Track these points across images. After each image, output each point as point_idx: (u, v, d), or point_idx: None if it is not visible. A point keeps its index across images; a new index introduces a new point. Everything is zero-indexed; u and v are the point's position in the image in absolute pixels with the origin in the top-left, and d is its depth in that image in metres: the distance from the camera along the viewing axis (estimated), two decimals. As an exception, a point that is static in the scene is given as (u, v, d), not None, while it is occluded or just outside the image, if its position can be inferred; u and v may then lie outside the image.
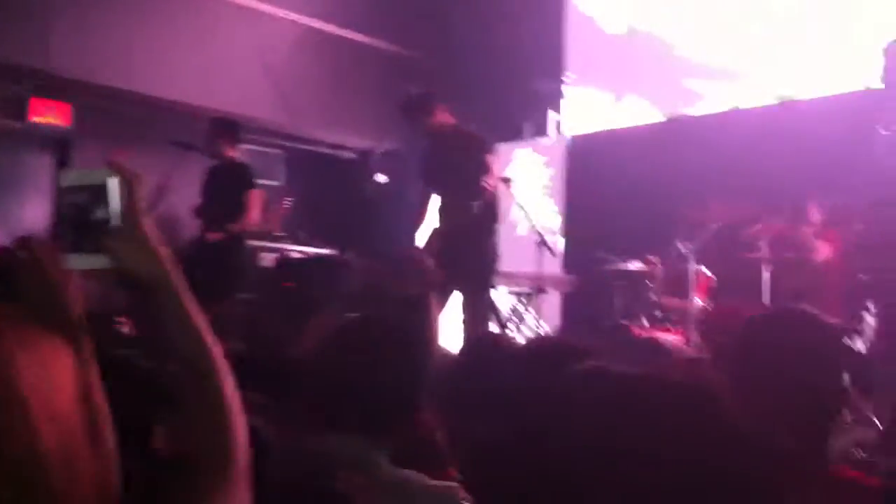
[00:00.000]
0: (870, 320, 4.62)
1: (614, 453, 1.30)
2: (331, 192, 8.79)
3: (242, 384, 1.28)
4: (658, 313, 6.02)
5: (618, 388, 1.44)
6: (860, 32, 6.44)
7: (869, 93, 6.23)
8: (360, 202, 8.59)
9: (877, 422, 3.67)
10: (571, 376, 1.98)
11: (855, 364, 1.92)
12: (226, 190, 6.10)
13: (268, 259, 6.76)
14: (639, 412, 1.32)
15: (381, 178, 8.70)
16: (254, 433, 1.31)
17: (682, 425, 1.33)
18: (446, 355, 2.86)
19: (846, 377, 1.79)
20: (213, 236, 5.99)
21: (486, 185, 5.15)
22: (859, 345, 4.68)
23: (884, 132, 4.31)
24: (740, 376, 1.79)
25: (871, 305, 4.61)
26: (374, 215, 8.33)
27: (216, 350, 1.23)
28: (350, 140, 8.83)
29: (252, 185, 6.15)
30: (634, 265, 6.23)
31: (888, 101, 4.49)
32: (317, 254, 7.19)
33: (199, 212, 6.26)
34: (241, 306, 5.57)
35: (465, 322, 5.15)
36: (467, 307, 5.16)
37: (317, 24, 8.33)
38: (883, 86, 4.48)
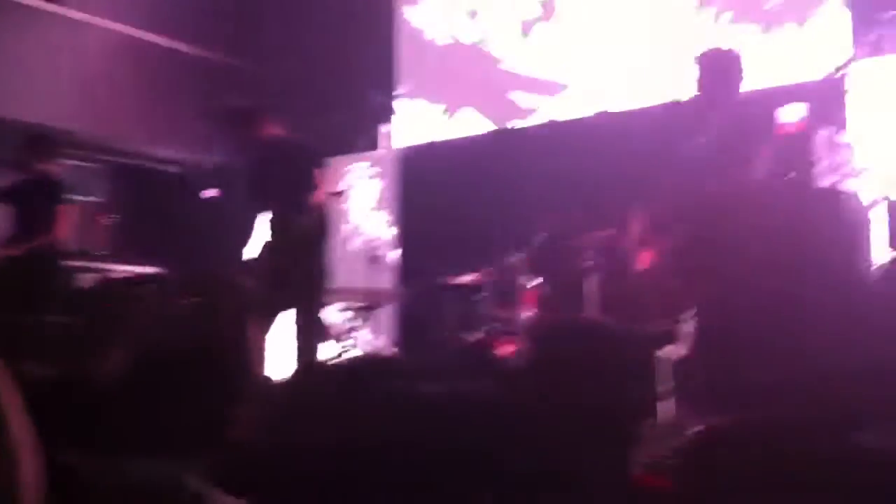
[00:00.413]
0: (686, 325, 4.79)
1: (422, 472, 1.29)
2: (157, 208, 8.45)
3: (47, 411, 1.18)
4: (492, 324, 6.08)
5: (422, 407, 1.44)
6: (681, 44, 6.74)
7: (686, 102, 6.53)
8: (188, 218, 8.30)
9: (685, 425, 3.79)
10: (381, 396, 1.95)
11: (661, 370, 1.95)
12: (34, 205, 5.77)
13: (86, 278, 6.41)
14: (445, 430, 1.31)
15: (209, 192, 8.44)
16: (60, 466, 1.20)
17: (487, 441, 1.32)
18: (272, 378, 2.77)
19: (648, 384, 1.82)
20: (12, 252, 5.65)
21: (316, 199, 5.04)
22: (674, 351, 4.85)
23: (701, 140, 4.49)
24: (543, 388, 1.80)
25: (688, 310, 4.77)
26: (201, 232, 8.06)
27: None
28: (176, 154, 8.53)
29: (59, 201, 5.84)
30: (468, 277, 6.28)
31: (704, 109, 4.67)
32: (139, 273, 6.88)
33: (7, 228, 5.90)
34: (51, 327, 5.23)
35: (297, 340, 5.02)
36: (299, 325, 5.03)
37: (137, 32, 8.01)
38: (699, 94, 4.65)
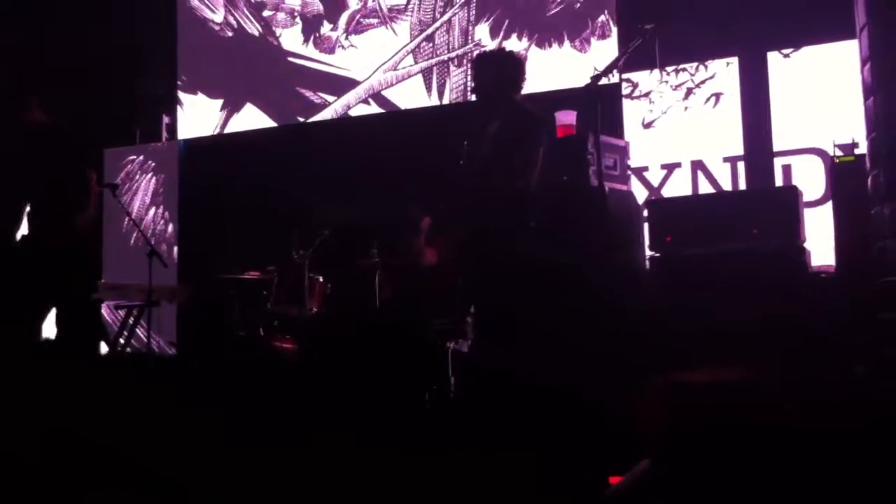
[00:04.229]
0: (469, 321, 4.88)
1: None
2: None
3: None
4: (275, 322, 5.95)
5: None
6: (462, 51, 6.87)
7: (466, 104, 6.68)
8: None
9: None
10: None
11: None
12: None
13: None
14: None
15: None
16: None
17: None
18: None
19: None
20: None
21: (84, 192, 4.74)
22: (461, 346, 4.95)
23: (480, 141, 4.54)
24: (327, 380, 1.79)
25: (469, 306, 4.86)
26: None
27: None
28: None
29: None
30: (251, 274, 6.12)
31: (483, 110, 4.72)
32: None
33: None
34: None
35: (61, 338, 4.71)
36: (63, 322, 4.72)
37: None
38: (479, 95, 4.69)
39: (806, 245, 4.33)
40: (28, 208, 4.84)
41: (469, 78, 6.60)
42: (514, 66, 4.62)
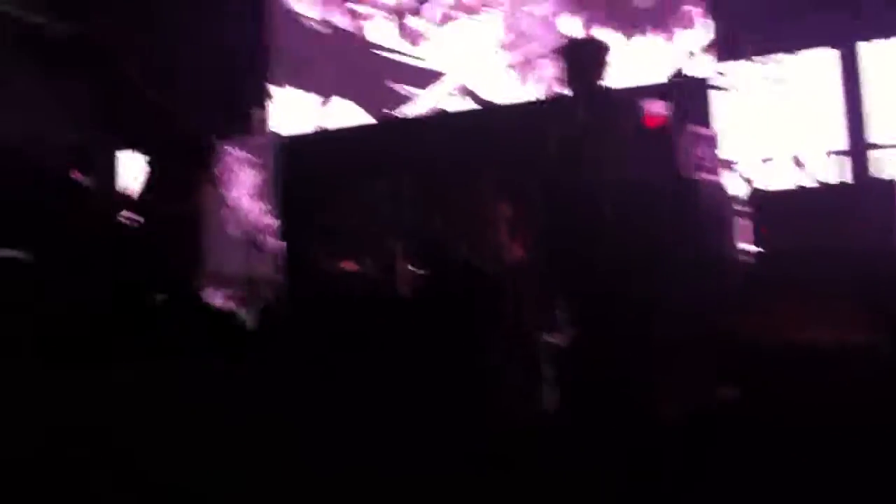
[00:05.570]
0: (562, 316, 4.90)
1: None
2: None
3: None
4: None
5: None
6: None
7: (554, 96, 6.70)
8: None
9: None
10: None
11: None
12: None
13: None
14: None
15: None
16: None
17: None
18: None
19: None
20: None
21: (196, 182, 4.97)
22: (557, 339, 4.97)
23: (556, 136, 4.54)
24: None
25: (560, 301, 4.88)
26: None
27: None
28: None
29: None
30: (347, 266, 6.24)
31: (569, 101, 4.71)
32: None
33: None
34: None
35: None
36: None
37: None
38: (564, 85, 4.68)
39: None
40: None
41: (557, 69, 6.63)
42: (600, 53, 4.63)
